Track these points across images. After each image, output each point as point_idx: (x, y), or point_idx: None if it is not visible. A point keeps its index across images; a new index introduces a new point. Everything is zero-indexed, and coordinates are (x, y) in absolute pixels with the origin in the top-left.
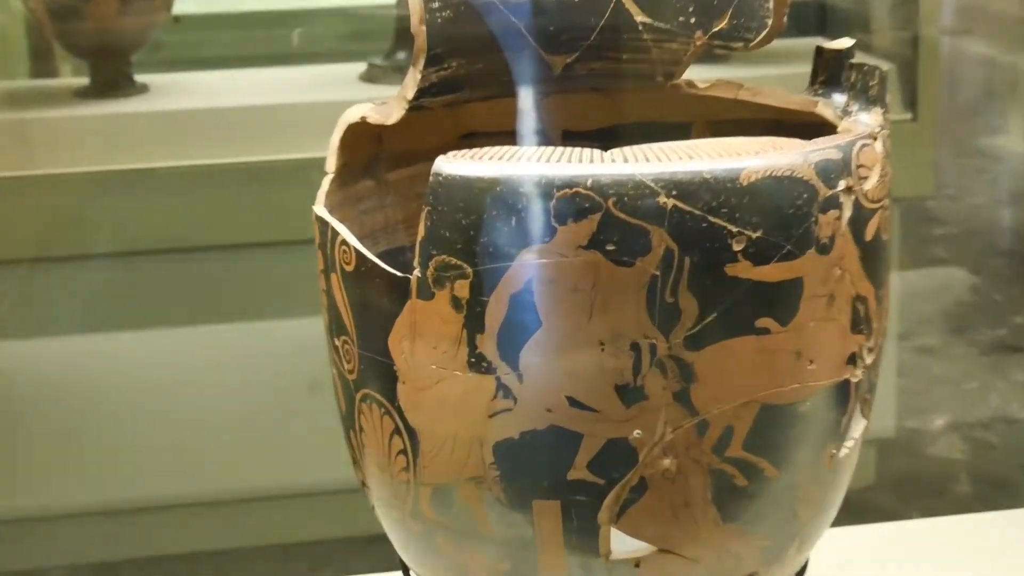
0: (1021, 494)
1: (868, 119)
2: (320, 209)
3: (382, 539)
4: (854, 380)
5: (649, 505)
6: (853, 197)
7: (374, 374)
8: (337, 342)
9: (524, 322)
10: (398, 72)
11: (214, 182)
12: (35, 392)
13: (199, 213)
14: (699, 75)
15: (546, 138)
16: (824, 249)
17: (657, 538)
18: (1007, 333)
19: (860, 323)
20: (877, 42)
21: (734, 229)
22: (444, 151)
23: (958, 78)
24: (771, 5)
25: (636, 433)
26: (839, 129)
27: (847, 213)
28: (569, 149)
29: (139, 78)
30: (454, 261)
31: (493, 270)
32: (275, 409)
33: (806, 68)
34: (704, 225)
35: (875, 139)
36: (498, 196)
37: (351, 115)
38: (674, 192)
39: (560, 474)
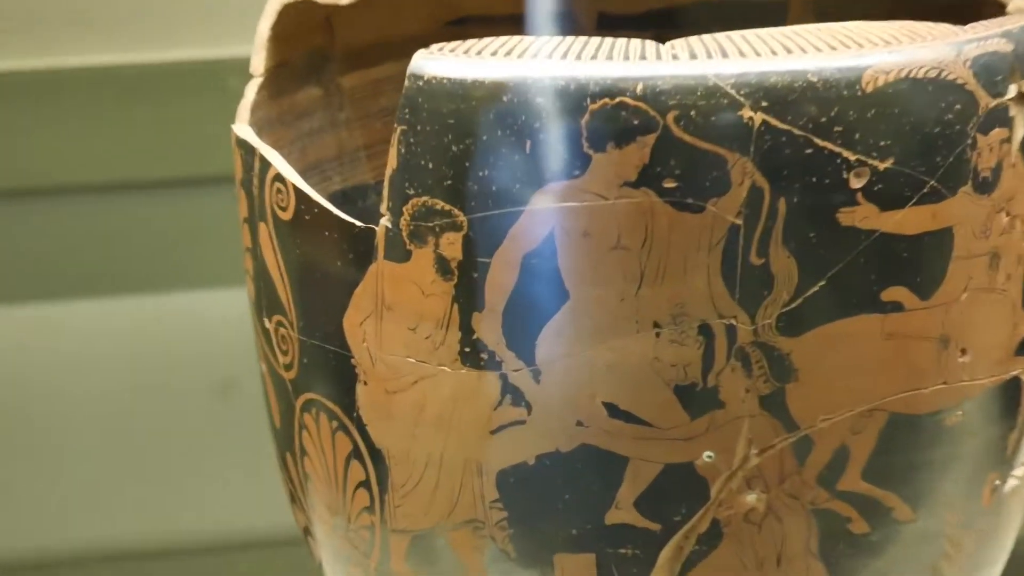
0: None
1: None
2: (243, 129)
3: None
4: None
5: (725, 561)
6: None
7: (322, 371)
8: (268, 324)
9: (542, 295)
10: None
11: (78, 92)
12: None
13: (60, 138)
14: None
15: (574, 24)
16: (985, 186)
17: None
18: None
19: None
20: None
21: (852, 157)
22: (424, 43)
23: None
24: None
25: (707, 456)
26: (1008, 9)
27: (1020, 133)
28: (608, 40)
29: None
30: (440, 205)
31: (497, 219)
32: (168, 423)
33: None
34: (808, 151)
35: None
36: (504, 110)
37: None
38: (764, 103)
39: (595, 516)
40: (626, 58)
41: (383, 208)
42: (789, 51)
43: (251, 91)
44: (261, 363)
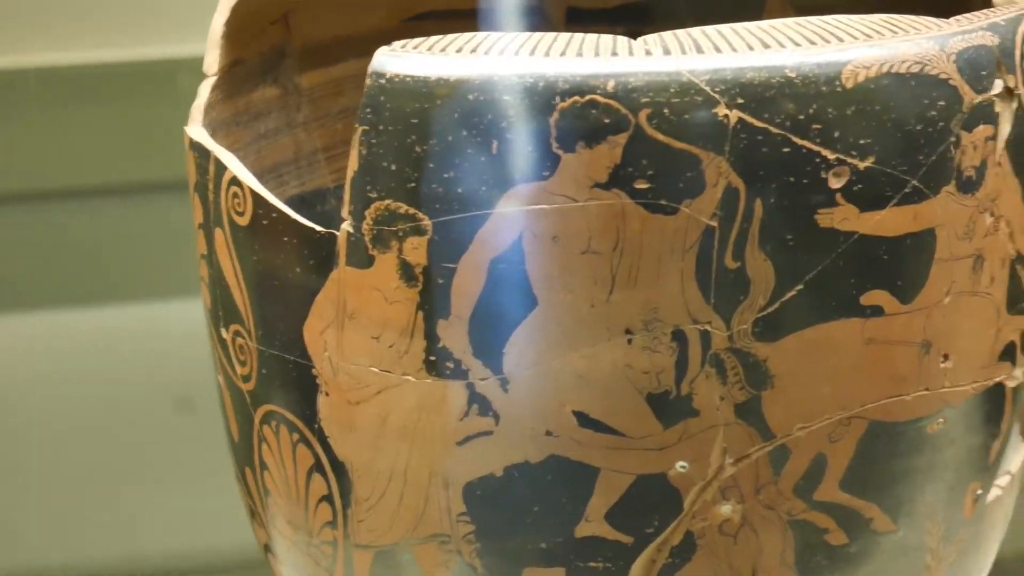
0: None
1: None
2: (196, 131)
3: None
4: (1011, 384)
5: (699, 573)
6: (1015, 105)
7: (282, 382)
8: (225, 334)
9: (510, 302)
10: None
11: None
12: None
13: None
14: None
15: (542, 19)
16: (969, 186)
17: None
18: None
19: (1022, 298)
20: None
21: (831, 156)
22: (386, 40)
23: None
24: None
25: (680, 466)
26: (994, 1)
27: (1005, 130)
28: (578, 36)
29: None
30: (404, 209)
31: (464, 222)
32: (123, 439)
33: None
34: (786, 150)
35: None
36: (469, 108)
37: None
38: (740, 100)
39: (565, 529)
40: (597, 54)
41: (344, 212)
42: (766, 46)
43: (204, 91)
44: (218, 375)
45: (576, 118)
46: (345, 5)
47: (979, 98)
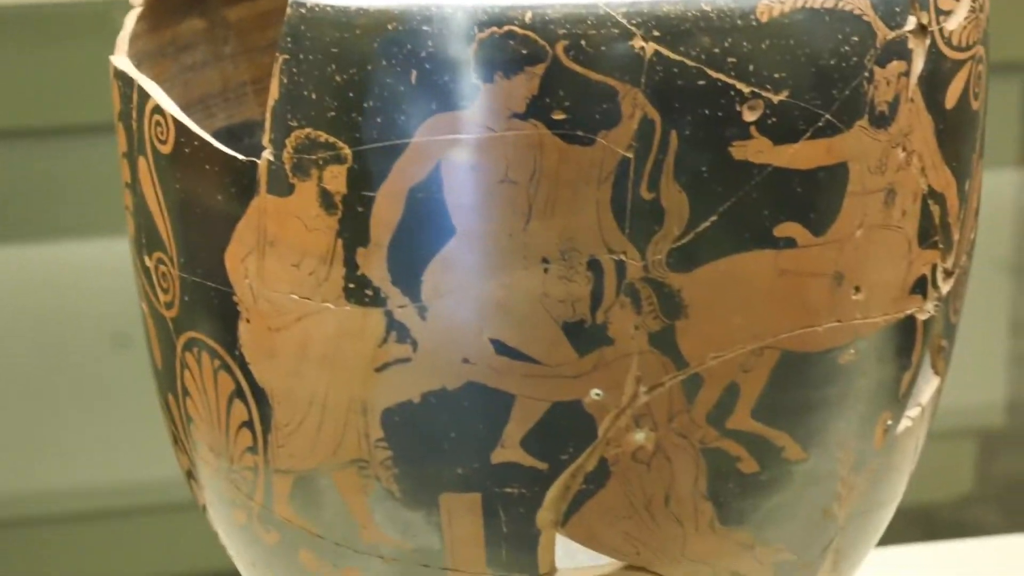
0: None
1: None
2: (120, 60)
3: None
4: (922, 317)
5: (612, 500)
6: (928, 42)
7: (204, 309)
8: (148, 262)
9: (429, 230)
10: None
11: None
12: None
13: None
14: None
15: None
16: (881, 120)
17: (623, 548)
18: None
19: (933, 232)
20: None
21: (746, 89)
22: None
23: None
24: None
25: (594, 394)
26: None
27: (918, 66)
28: None
29: None
30: (324, 137)
31: (382, 151)
32: (60, 375)
33: None
34: (701, 83)
35: None
36: (390, 38)
37: None
38: (656, 33)
39: (482, 455)
40: None
41: (265, 140)
42: None
43: (130, 22)
44: (142, 303)
45: (494, 49)
46: None
47: (892, 34)
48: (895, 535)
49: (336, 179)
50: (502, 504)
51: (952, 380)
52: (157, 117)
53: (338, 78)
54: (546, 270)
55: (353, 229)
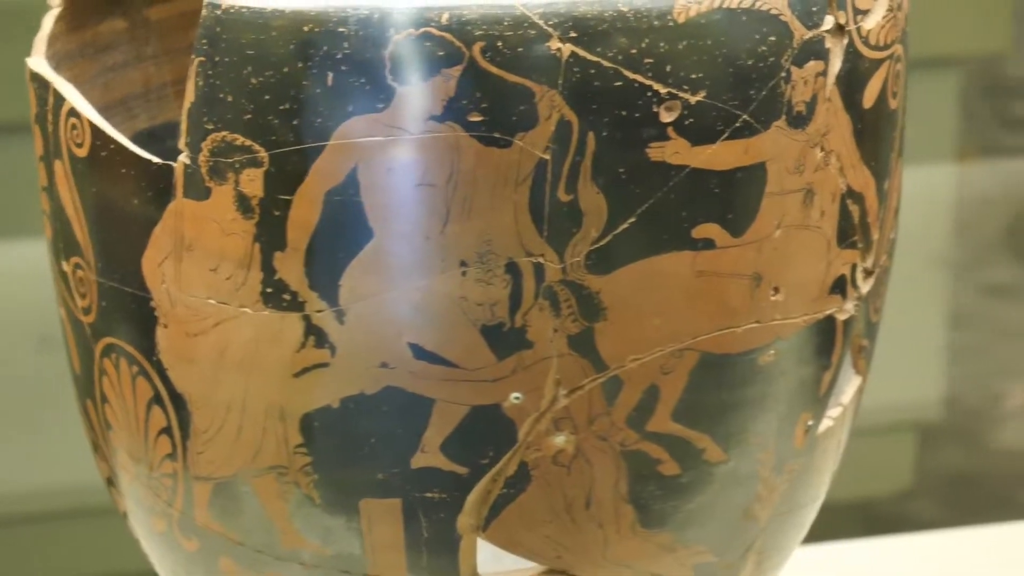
0: None
1: None
2: (37, 62)
3: None
4: (842, 317)
5: (533, 504)
6: (846, 41)
7: (121, 314)
8: (65, 267)
9: (346, 233)
10: None
11: None
12: None
13: None
14: None
15: None
16: (799, 121)
17: (545, 552)
18: None
19: (852, 232)
20: None
21: (663, 90)
22: None
23: None
24: None
25: (514, 397)
26: None
27: (835, 66)
28: None
29: None
30: (241, 140)
31: (299, 154)
32: None
33: None
34: (618, 84)
35: None
36: (306, 40)
37: None
38: (573, 33)
39: (401, 460)
40: None
41: (181, 143)
42: None
43: (48, 22)
44: (60, 308)
45: (411, 51)
46: None
47: (809, 34)
48: (835, 530)
49: (253, 182)
50: (422, 509)
51: (891, 375)
52: (73, 120)
53: (254, 80)
54: (464, 273)
55: (270, 233)
